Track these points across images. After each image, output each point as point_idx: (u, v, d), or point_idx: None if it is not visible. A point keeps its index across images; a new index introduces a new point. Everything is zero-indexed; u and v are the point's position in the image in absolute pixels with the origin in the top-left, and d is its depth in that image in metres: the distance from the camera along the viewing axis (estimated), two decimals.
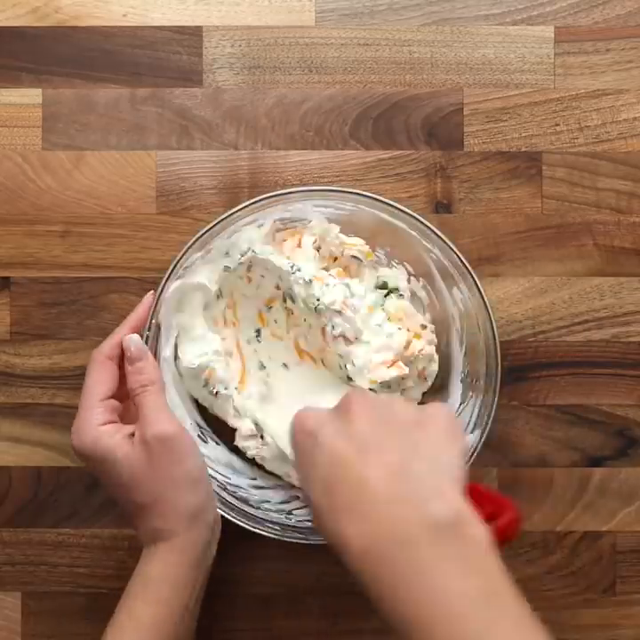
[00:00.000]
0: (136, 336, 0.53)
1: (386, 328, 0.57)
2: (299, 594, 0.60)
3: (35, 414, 0.61)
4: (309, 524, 0.56)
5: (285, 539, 0.54)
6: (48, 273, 0.61)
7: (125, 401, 0.54)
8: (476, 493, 0.42)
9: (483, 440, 0.55)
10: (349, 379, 0.56)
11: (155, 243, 0.61)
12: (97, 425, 0.51)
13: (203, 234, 0.53)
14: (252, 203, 0.53)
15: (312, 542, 0.54)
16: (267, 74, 0.61)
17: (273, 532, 0.55)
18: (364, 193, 0.54)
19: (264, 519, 0.56)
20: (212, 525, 0.52)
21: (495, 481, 0.60)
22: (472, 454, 0.55)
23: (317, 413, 0.46)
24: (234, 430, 0.58)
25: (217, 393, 0.57)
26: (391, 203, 0.54)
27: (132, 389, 0.53)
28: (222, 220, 0.53)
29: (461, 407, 0.57)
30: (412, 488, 0.40)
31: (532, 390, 0.60)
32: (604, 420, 0.61)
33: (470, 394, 0.56)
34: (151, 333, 0.54)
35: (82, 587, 0.61)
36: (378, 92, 0.61)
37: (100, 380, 0.53)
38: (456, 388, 0.58)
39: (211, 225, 0.53)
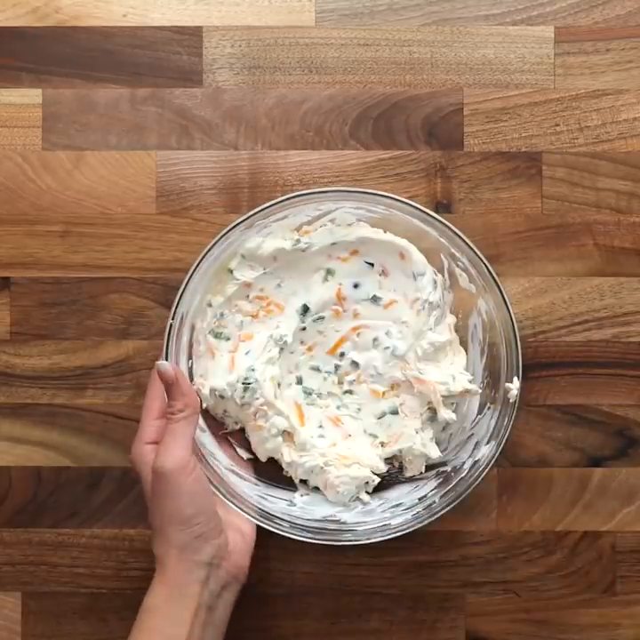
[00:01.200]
0: (165, 362, 0.53)
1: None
2: (299, 594, 0.61)
3: (35, 414, 0.61)
4: (310, 523, 0.56)
5: (293, 536, 0.55)
6: (48, 273, 0.61)
7: None
8: None
9: (498, 452, 0.55)
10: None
11: (155, 243, 0.61)
12: (144, 442, 0.53)
13: (227, 231, 0.54)
14: (287, 199, 0.54)
15: (314, 541, 0.55)
16: (267, 74, 0.61)
17: (280, 528, 0.55)
18: (399, 197, 0.54)
19: (273, 514, 0.56)
20: (208, 566, 0.51)
21: (495, 481, 0.60)
22: (488, 465, 0.55)
23: None
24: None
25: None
26: (424, 209, 0.54)
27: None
28: (250, 216, 0.54)
29: (477, 418, 0.57)
30: None
31: (532, 390, 0.60)
32: (604, 420, 0.61)
33: (488, 405, 0.57)
34: (175, 322, 0.54)
35: (82, 587, 0.61)
36: (378, 91, 0.61)
37: (155, 395, 0.54)
38: (474, 399, 0.58)
39: (241, 219, 0.54)
